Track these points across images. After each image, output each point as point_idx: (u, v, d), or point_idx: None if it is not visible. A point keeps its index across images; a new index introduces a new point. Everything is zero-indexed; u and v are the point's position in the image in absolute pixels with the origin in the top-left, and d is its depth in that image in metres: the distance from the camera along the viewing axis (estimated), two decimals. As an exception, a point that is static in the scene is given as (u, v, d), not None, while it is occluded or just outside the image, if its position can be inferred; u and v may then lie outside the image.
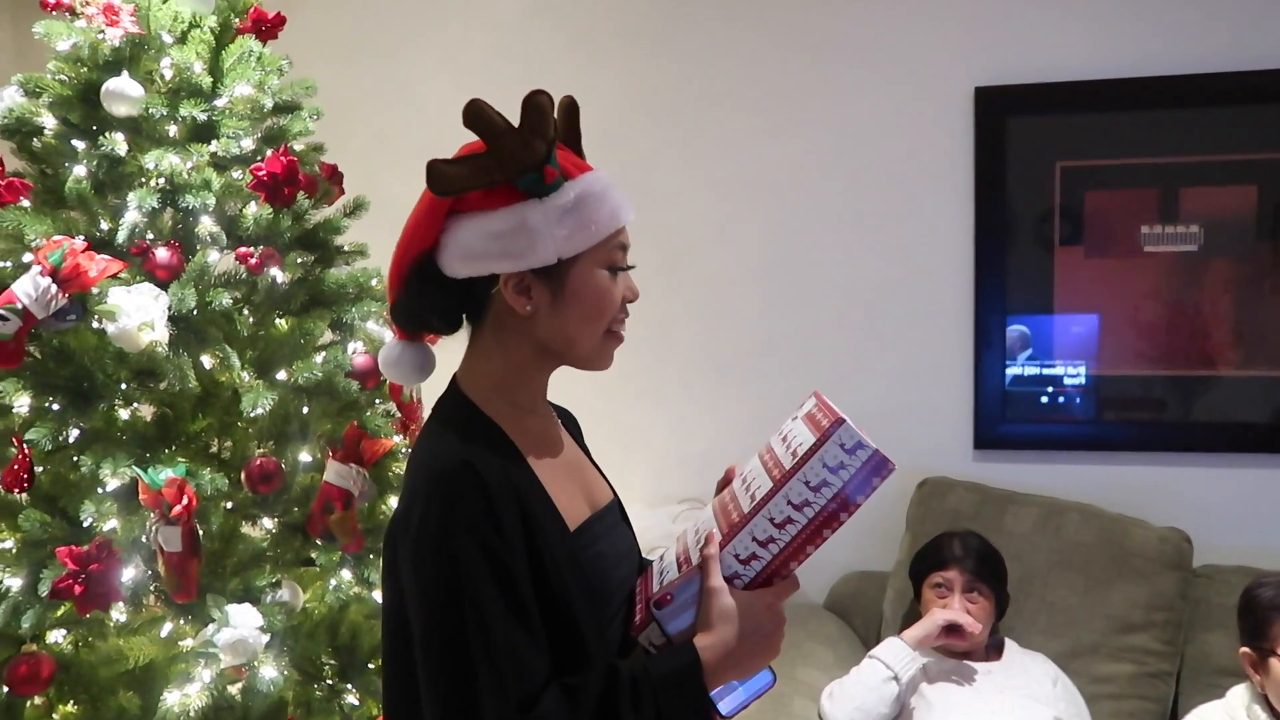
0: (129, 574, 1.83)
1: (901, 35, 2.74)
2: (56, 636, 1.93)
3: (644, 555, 1.37)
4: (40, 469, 1.91)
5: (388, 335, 2.05)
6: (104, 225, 1.97)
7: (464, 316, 1.24)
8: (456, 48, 3.01)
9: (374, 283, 2.16)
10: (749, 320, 2.88)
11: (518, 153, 1.14)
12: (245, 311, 2.08)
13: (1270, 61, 2.54)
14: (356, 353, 2.10)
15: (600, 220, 1.17)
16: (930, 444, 2.76)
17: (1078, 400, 2.72)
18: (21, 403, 1.88)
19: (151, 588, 1.90)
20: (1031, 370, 2.73)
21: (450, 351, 1.30)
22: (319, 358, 2.06)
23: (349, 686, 2.03)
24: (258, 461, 1.94)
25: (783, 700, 2.20)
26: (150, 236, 1.96)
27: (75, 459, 1.88)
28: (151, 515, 1.80)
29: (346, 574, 2.02)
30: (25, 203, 1.95)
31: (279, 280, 2.04)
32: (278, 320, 2.10)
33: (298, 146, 2.13)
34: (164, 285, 1.90)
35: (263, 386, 1.93)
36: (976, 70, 2.70)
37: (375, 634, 2.05)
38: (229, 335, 2.01)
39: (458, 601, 1.06)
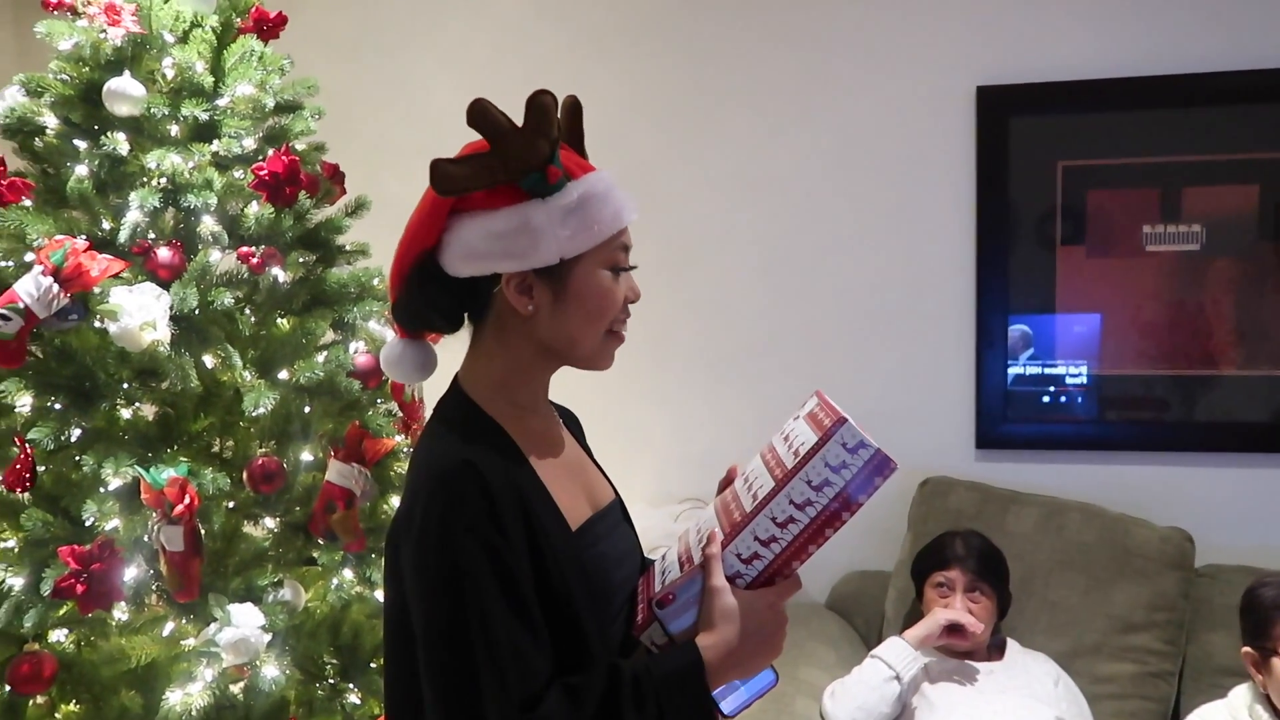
0: (131, 573, 1.83)
1: (903, 35, 2.74)
2: (59, 636, 1.93)
3: (646, 555, 1.37)
4: (42, 468, 1.92)
5: (389, 335, 2.05)
6: (106, 225, 1.98)
7: (466, 316, 1.24)
8: (458, 47, 3.01)
9: (375, 282, 2.16)
10: (751, 320, 2.88)
11: (521, 153, 1.14)
12: (247, 311, 2.08)
13: (1272, 61, 2.54)
14: (358, 352, 2.10)
15: (603, 220, 1.17)
16: (932, 443, 2.76)
17: (1079, 400, 2.71)
18: (24, 402, 1.88)
19: (153, 587, 1.90)
20: (1033, 370, 2.73)
21: (452, 351, 1.30)
22: (321, 357, 2.06)
23: (351, 686, 2.04)
24: (260, 461, 1.94)
25: (785, 699, 2.20)
26: (152, 236, 1.97)
27: (77, 458, 1.88)
28: (153, 515, 1.80)
29: (348, 573, 2.02)
30: (27, 202, 1.95)
31: (281, 280, 2.04)
32: (279, 320, 2.10)
33: (299, 146, 2.13)
34: (166, 285, 1.91)
35: (264, 386, 1.94)
36: (978, 70, 2.70)
37: (377, 633, 2.05)
38: (231, 335, 2.01)
39: (460, 601, 1.06)
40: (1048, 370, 2.72)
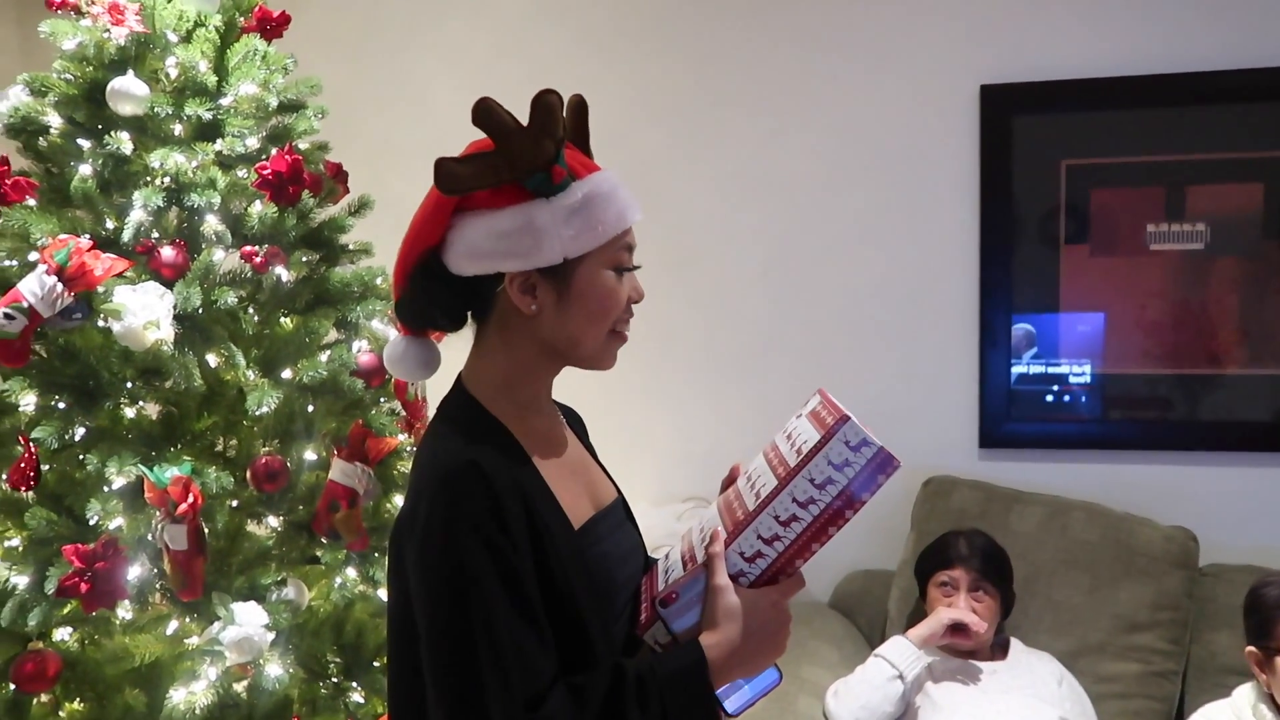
0: (135, 572, 1.83)
1: (907, 34, 2.74)
2: (63, 634, 1.94)
3: (649, 554, 1.37)
4: (46, 467, 1.92)
5: (392, 334, 2.05)
6: (109, 224, 1.98)
7: (469, 314, 1.24)
8: (461, 46, 3.01)
9: (379, 281, 2.16)
10: (754, 319, 2.88)
11: (526, 152, 1.14)
12: (250, 310, 2.08)
13: (1277, 59, 2.53)
14: (361, 351, 2.10)
15: (607, 221, 1.17)
16: (935, 442, 2.76)
17: (1083, 399, 2.71)
18: (27, 401, 1.88)
19: (157, 586, 1.91)
20: (1037, 369, 2.73)
21: (456, 350, 1.30)
22: (324, 356, 2.06)
23: (354, 684, 2.04)
24: (263, 460, 1.94)
25: (788, 698, 2.20)
26: (155, 235, 1.97)
27: (81, 457, 1.88)
28: (157, 513, 1.80)
29: (351, 572, 2.02)
30: (31, 202, 1.96)
31: (284, 279, 2.05)
32: (283, 319, 2.11)
33: (302, 145, 2.13)
34: (169, 284, 1.91)
35: (268, 385, 1.94)
36: (982, 68, 2.70)
37: (380, 632, 2.05)
38: (234, 334, 2.02)
39: (463, 601, 1.06)
40: (1051, 369, 2.72)
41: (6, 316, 1.79)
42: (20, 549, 1.91)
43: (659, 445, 2.94)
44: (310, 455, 2.04)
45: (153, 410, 2.02)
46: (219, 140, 2.01)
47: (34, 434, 1.84)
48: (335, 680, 2.04)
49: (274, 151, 2.03)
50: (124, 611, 1.92)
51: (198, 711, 1.79)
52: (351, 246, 2.22)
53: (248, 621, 1.83)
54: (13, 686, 1.85)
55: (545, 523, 1.13)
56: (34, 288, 1.80)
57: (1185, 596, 2.42)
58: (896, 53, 2.75)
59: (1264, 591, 2.01)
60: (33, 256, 1.89)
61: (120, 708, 1.89)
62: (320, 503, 1.98)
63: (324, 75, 2.22)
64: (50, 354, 1.93)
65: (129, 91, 1.94)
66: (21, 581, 1.85)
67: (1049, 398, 2.72)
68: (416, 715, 1.13)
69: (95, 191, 1.95)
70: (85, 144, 1.99)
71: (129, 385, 1.94)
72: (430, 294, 1.21)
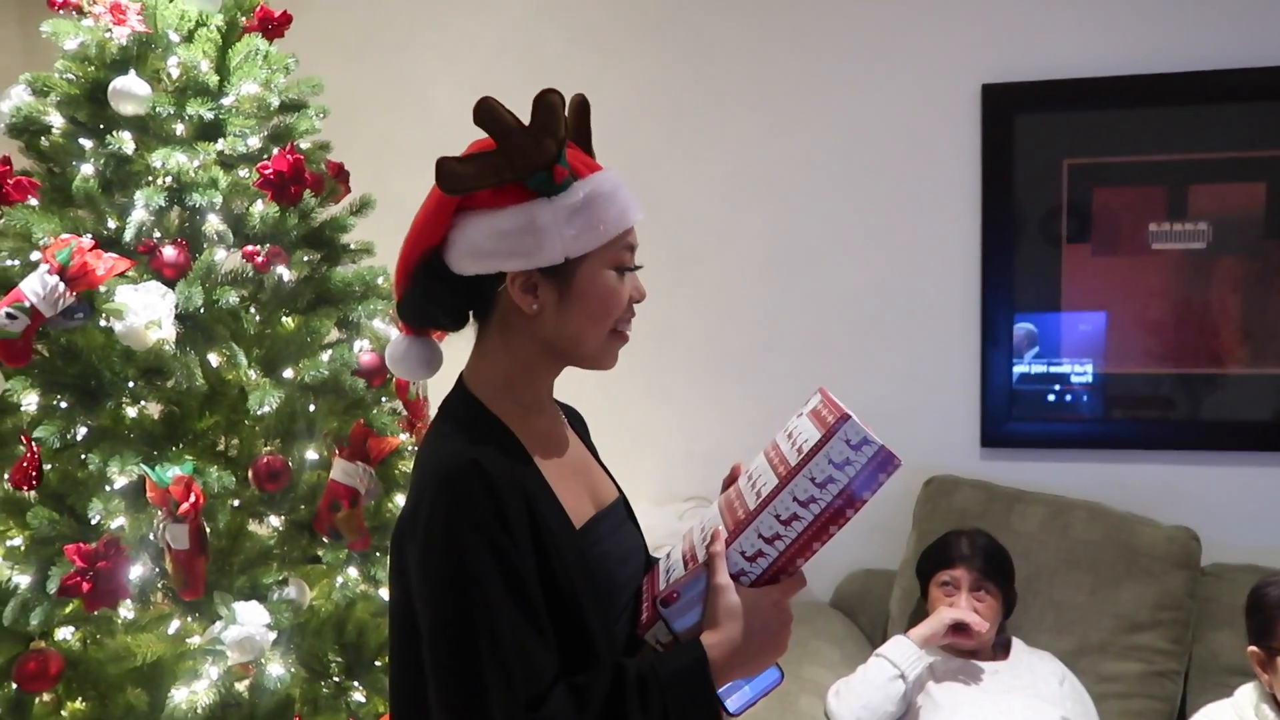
0: (137, 571, 1.83)
1: (908, 33, 2.74)
2: (65, 633, 1.94)
3: (651, 553, 1.37)
4: (48, 467, 1.92)
5: (394, 333, 2.05)
6: (111, 224, 1.98)
7: (471, 314, 1.24)
8: (462, 46, 3.01)
9: (380, 280, 2.16)
10: (755, 318, 2.88)
11: (528, 152, 1.14)
12: (252, 309, 2.08)
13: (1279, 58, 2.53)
14: (363, 350, 2.10)
15: (609, 221, 1.17)
16: (937, 442, 2.76)
17: (1085, 398, 2.71)
18: (29, 401, 1.88)
19: (159, 585, 1.91)
20: (1038, 368, 2.73)
21: (458, 350, 1.30)
22: (325, 356, 2.06)
23: (355, 684, 2.04)
24: (264, 459, 1.94)
25: (789, 698, 2.20)
26: (157, 235, 1.97)
27: (83, 457, 1.88)
28: (159, 513, 1.80)
29: (353, 571, 2.02)
30: (33, 201, 1.96)
31: (285, 278, 2.05)
32: (284, 318, 2.11)
33: (304, 145, 2.13)
34: (171, 283, 1.91)
35: (269, 384, 1.94)
36: (983, 67, 2.69)
37: (382, 631, 2.05)
38: (236, 333, 2.02)
39: (465, 600, 1.06)
40: (1053, 369, 2.72)
41: (9, 316, 1.79)
42: (22, 548, 1.91)
43: (660, 444, 2.94)
44: (312, 455, 2.04)
45: (154, 410, 2.02)
46: (221, 140, 2.01)
47: (36, 433, 1.84)
48: (337, 679, 2.05)
49: (275, 151, 2.03)
50: (126, 611, 1.92)
51: (199, 711, 1.79)
52: (353, 246, 2.22)
53: (249, 621, 1.83)
54: (15, 686, 1.85)
55: (547, 522, 1.13)
56: (36, 287, 1.80)
57: (1187, 596, 2.41)
58: (898, 52, 2.75)
59: (1266, 591, 2.01)
60: (35, 256, 1.89)
61: (122, 707, 1.89)
62: (322, 502, 1.98)
63: (325, 75, 2.22)
64: (52, 353, 1.93)
65: (131, 91, 1.94)
66: (24, 581, 1.85)
67: (1051, 397, 2.72)
68: (418, 715, 1.13)
69: (97, 191, 1.95)
70: (87, 144, 1.99)
71: (131, 385, 1.94)
72: (432, 293, 1.21)
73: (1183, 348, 2.63)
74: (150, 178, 1.96)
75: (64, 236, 1.88)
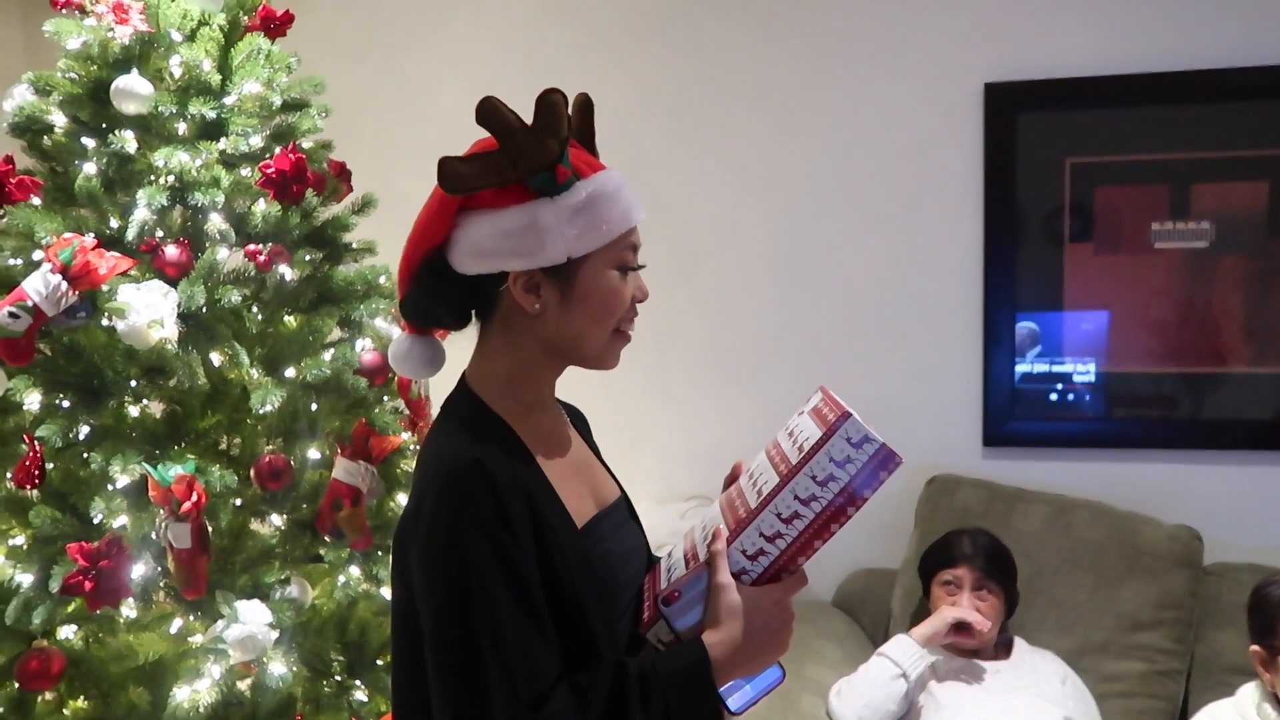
0: (139, 570, 1.83)
1: (911, 32, 2.74)
2: (67, 632, 1.94)
3: (652, 552, 1.37)
4: (51, 466, 1.92)
5: (396, 332, 2.05)
6: (114, 223, 1.98)
7: (473, 313, 1.24)
8: (464, 45, 3.01)
9: (382, 280, 2.16)
10: (757, 317, 2.88)
11: (530, 152, 1.14)
12: (254, 309, 2.08)
13: (1282, 57, 2.53)
14: (365, 350, 2.10)
15: (611, 220, 1.17)
16: (939, 441, 2.76)
17: (1087, 397, 2.71)
18: (32, 400, 1.88)
19: (161, 584, 1.91)
20: (1041, 367, 2.72)
21: (460, 349, 1.30)
22: (327, 355, 2.06)
23: (357, 683, 2.04)
24: (267, 458, 1.94)
25: (791, 697, 2.20)
26: (160, 234, 1.97)
27: (85, 456, 1.88)
28: (161, 512, 1.80)
29: (355, 570, 2.03)
30: (36, 200, 1.96)
31: (287, 277, 2.05)
32: (286, 317, 2.11)
33: (306, 144, 2.13)
34: (173, 282, 1.91)
35: (271, 384, 1.94)
36: (986, 66, 2.69)
37: (384, 630, 2.05)
38: (238, 332, 2.02)
39: (468, 600, 1.06)
40: (1055, 368, 2.71)
41: (11, 315, 1.79)
42: (25, 547, 1.91)
43: (663, 443, 2.94)
44: (314, 454, 2.04)
45: (157, 409, 2.03)
46: (223, 139, 2.01)
47: (38, 432, 1.84)
48: (339, 679, 2.05)
49: (278, 150, 2.03)
50: (128, 610, 1.92)
51: (201, 709, 1.79)
52: (355, 245, 2.22)
53: (251, 620, 1.83)
54: (17, 684, 1.86)
55: (549, 521, 1.13)
56: (38, 286, 1.80)
57: (1189, 595, 2.41)
58: (901, 51, 2.75)
59: (1268, 590, 2.01)
60: (37, 255, 1.89)
61: (124, 706, 1.89)
62: (324, 501, 1.98)
63: (328, 74, 2.23)
64: (55, 353, 1.94)
65: (133, 90, 1.94)
66: (26, 580, 1.85)
67: (1053, 396, 2.72)
68: (420, 713, 1.13)
69: (99, 190, 1.95)
70: (89, 143, 1.99)
71: (133, 384, 1.95)
72: (434, 293, 1.21)
73: (1185, 347, 2.63)
74: (152, 177, 1.96)
75: (66, 236, 1.88)
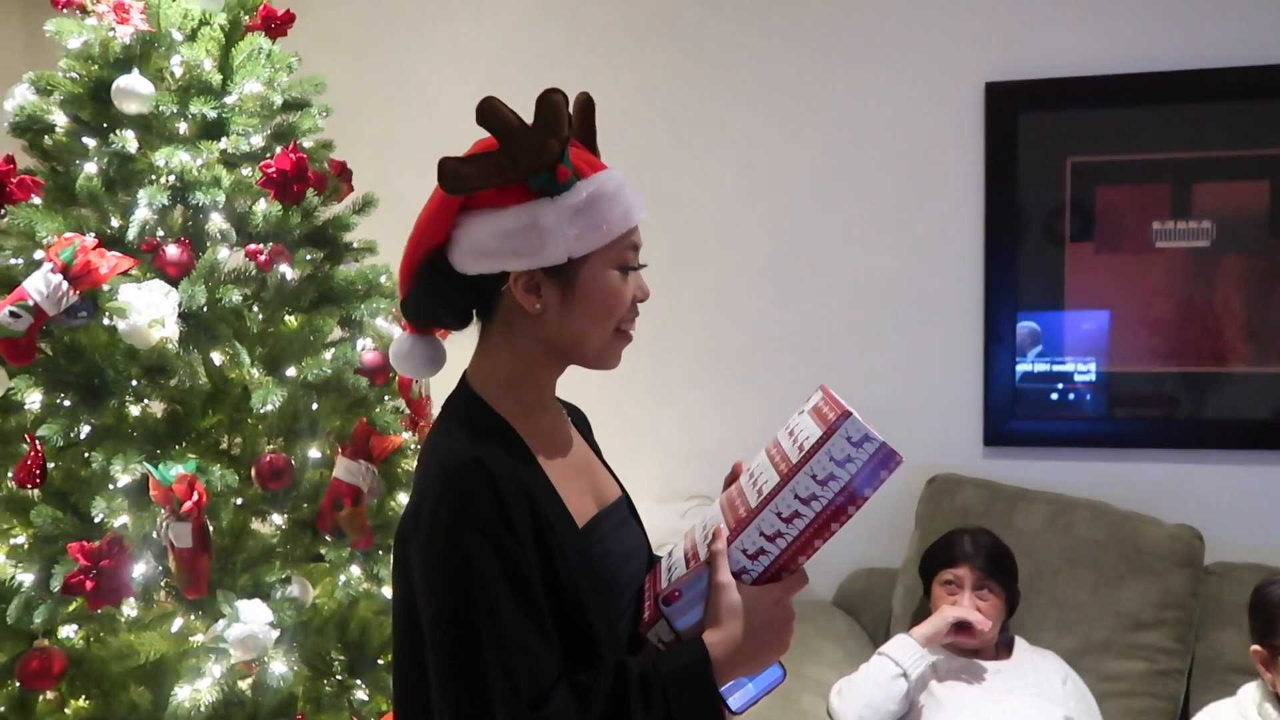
0: (140, 570, 1.84)
1: (912, 31, 2.73)
2: (68, 632, 1.94)
3: (653, 551, 1.37)
4: (52, 465, 1.92)
5: (397, 331, 2.05)
6: (115, 222, 1.98)
7: (474, 313, 1.24)
8: (465, 45, 3.01)
9: (383, 279, 2.16)
10: (758, 316, 2.88)
11: (531, 152, 1.14)
12: (255, 308, 2.09)
13: (1283, 56, 2.53)
14: (365, 349, 2.10)
15: (612, 220, 1.17)
16: (940, 440, 2.76)
17: (1088, 397, 2.71)
18: (33, 399, 1.88)
19: (162, 583, 1.91)
20: (1042, 367, 2.72)
21: (461, 348, 1.30)
22: (328, 354, 2.06)
23: (358, 682, 2.04)
24: (267, 458, 1.94)
25: (791, 696, 2.20)
26: (160, 233, 1.97)
27: (86, 455, 1.88)
28: (162, 511, 1.80)
29: (356, 570, 2.03)
30: (36, 200, 1.96)
31: (288, 277, 2.05)
32: (287, 317, 2.11)
33: (307, 143, 2.14)
34: (174, 282, 1.91)
35: (272, 383, 1.94)
36: (987, 65, 2.69)
37: (385, 630, 2.05)
38: (239, 332, 2.02)
39: (469, 599, 1.06)
40: (1056, 367, 2.71)
41: (12, 315, 1.79)
42: (26, 547, 1.92)
43: (664, 443, 2.94)
44: (315, 453, 2.04)
45: (158, 408, 2.03)
46: (224, 138, 2.01)
47: (39, 432, 1.84)
48: (340, 678, 2.05)
49: (278, 150, 2.03)
50: (129, 609, 1.92)
51: (202, 709, 1.79)
52: (356, 245, 2.22)
53: (252, 619, 1.83)
54: (18, 684, 1.86)
55: (550, 521, 1.13)
56: (39, 286, 1.80)
57: (1190, 595, 2.41)
58: (901, 50, 2.74)
59: (1269, 590, 2.01)
60: (38, 255, 1.89)
61: (125, 705, 1.89)
62: (324, 500, 1.98)
63: (328, 73, 2.23)
64: (56, 352, 1.94)
65: (134, 90, 1.94)
66: (27, 579, 1.85)
67: (1054, 395, 2.72)
68: (421, 713, 1.13)
69: (100, 190, 1.95)
70: (90, 142, 1.99)
71: (134, 383, 1.95)
72: (435, 292, 1.21)
73: (1186, 346, 2.63)
74: (153, 176, 1.96)
75: (67, 235, 1.88)
